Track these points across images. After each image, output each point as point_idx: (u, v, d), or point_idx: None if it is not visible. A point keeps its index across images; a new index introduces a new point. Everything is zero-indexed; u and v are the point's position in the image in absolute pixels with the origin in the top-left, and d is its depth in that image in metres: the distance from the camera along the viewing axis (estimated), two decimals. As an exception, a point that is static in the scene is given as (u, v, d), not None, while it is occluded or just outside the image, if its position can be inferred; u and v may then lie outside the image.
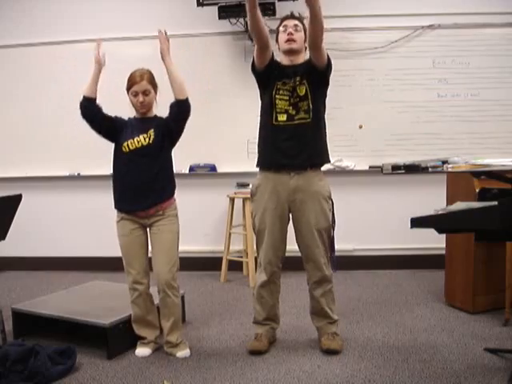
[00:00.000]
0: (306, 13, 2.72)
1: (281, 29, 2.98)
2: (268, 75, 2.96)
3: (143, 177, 2.92)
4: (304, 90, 2.93)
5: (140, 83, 2.90)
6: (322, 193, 2.97)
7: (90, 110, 2.95)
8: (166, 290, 2.95)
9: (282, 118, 2.94)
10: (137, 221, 2.98)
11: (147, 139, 2.93)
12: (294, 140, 2.92)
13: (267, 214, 2.97)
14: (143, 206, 2.94)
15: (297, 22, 2.97)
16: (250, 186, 3.20)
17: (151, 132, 2.95)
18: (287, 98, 2.94)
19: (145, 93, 2.91)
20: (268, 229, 2.97)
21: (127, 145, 2.94)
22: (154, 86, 2.96)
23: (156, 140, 2.94)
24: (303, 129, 2.92)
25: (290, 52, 2.95)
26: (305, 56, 3.01)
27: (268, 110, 2.97)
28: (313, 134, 2.95)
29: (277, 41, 3.03)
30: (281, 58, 3.02)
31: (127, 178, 2.95)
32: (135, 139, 2.93)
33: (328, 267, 3.03)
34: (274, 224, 2.97)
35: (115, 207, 3.02)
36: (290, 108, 2.93)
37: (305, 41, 2.94)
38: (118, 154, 2.98)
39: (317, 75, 2.92)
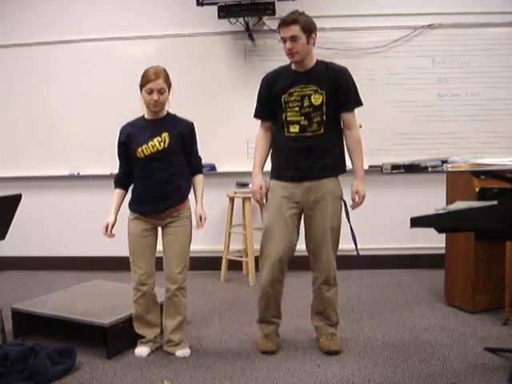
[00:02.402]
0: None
1: (280, 38, 2.85)
2: (275, 100, 2.94)
3: (159, 181, 2.91)
4: (320, 100, 2.87)
5: (156, 81, 2.83)
6: (334, 193, 2.94)
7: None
8: (175, 291, 2.96)
9: (295, 129, 2.90)
10: (150, 221, 2.98)
11: (162, 143, 2.89)
12: (306, 152, 2.89)
13: (279, 212, 2.92)
14: (158, 210, 2.94)
15: (293, 30, 2.78)
16: (250, 186, 3.18)
17: (166, 136, 2.90)
18: (297, 108, 2.88)
19: (160, 91, 2.85)
20: (279, 226, 2.91)
21: (142, 150, 2.90)
22: (169, 84, 2.92)
23: (171, 144, 2.90)
24: (316, 141, 2.88)
25: (295, 62, 2.89)
26: (313, 55, 2.90)
27: (280, 122, 2.95)
28: (326, 146, 2.91)
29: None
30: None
31: (144, 182, 2.95)
32: (150, 144, 2.89)
33: (335, 269, 3.01)
34: (286, 220, 2.91)
35: (129, 208, 3.01)
36: (302, 118, 2.88)
37: (308, 42, 2.82)
38: (134, 159, 2.95)
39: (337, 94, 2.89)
